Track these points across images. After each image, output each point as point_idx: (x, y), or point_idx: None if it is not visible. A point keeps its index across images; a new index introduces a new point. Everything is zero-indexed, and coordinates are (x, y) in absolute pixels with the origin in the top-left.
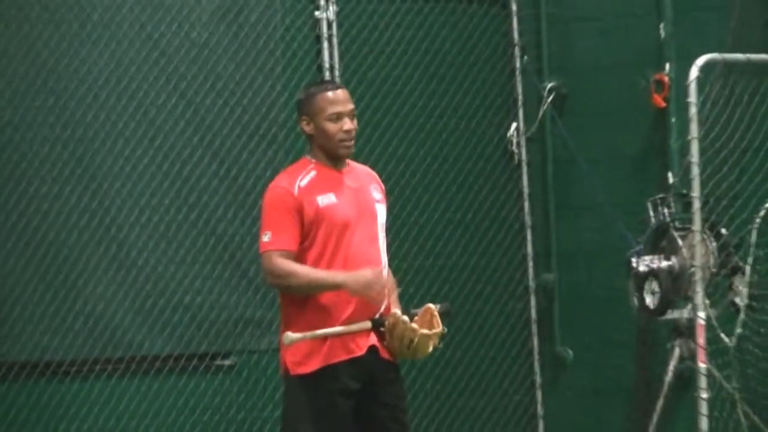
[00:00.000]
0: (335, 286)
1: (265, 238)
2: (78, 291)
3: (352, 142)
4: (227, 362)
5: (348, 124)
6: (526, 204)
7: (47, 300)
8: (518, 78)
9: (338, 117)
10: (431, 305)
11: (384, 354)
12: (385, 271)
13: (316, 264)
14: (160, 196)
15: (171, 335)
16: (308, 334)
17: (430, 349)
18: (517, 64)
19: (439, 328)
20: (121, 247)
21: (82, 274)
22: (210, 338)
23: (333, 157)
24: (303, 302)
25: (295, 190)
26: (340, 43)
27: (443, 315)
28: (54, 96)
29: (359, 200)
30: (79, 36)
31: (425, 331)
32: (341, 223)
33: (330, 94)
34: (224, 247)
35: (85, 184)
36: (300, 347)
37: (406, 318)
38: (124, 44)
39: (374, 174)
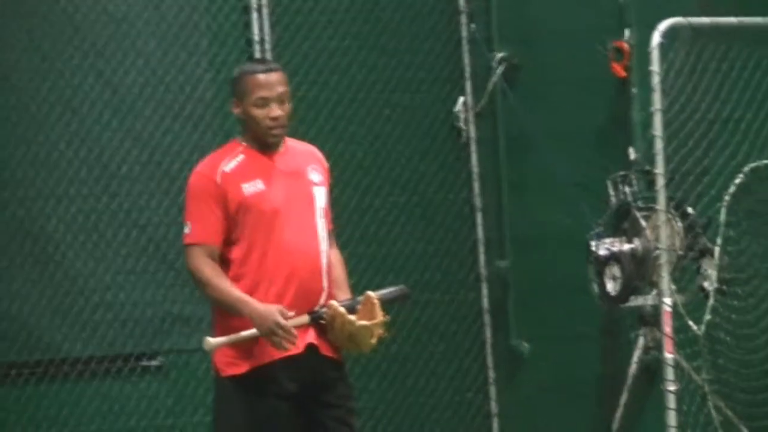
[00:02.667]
0: (239, 313)
1: (186, 229)
2: None
3: (282, 129)
4: (154, 363)
5: (275, 111)
6: (476, 185)
7: None
8: (465, 48)
9: (265, 102)
10: (371, 293)
11: (325, 351)
12: (325, 258)
13: (246, 257)
14: (78, 185)
15: (92, 335)
16: (232, 337)
17: (374, 340)
18: (464, 33)
19: (379, 317)
20: (36, 241)
21: None
22: (135, 338)
23: (262, 143)
24: None
25: (218, 177)
26: (271, 14)
27: (396, 300)
28: None
29: (292, 186)
30: None
31: (364, 322)
32: (270, 212)
33: (259, 76)
34: (148, 238)
35: None
36: (230, 345)
37: (343, 309)
38: (36, 19)
39: (316, 152)
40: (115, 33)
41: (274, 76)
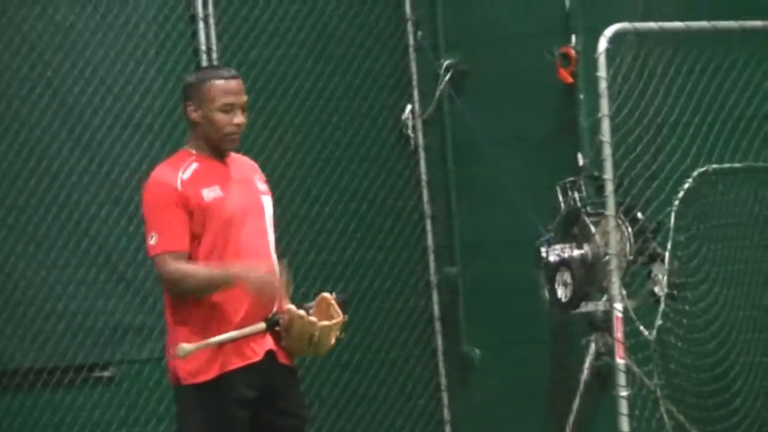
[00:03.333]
0: (230, 280)
1: (152, 240)
2: None
3: (239, 137)
4: (106, 374)
5: (239, 117)
6: (425, 192)
7: None
8: (412, 56)
9: (231, 108)
10: (326, 294)
11: (282, 359)
12: (276, 267)
13: (206, 261)
14: (27, 195)
15: (44, 346)
16: (202, 343)
17: (333, 341)
18: (411, 41)
19: (339, 317)
20: None
21: None
22: (87, 348)
23: (216, 150)
24: (191, 306)
25: (179, 184)
26: (217, 23)
27: (341, 304)
28: None
29: (245, 193)
30: None
31: (325, 322)
32: (228, 218)
33: (225, 83)
34: (99, 248)
35: None
36: (193, 355)
37: (302, 312)
38: None
39: (255, 165)
40: (63, 42)
41: (237, 84)
